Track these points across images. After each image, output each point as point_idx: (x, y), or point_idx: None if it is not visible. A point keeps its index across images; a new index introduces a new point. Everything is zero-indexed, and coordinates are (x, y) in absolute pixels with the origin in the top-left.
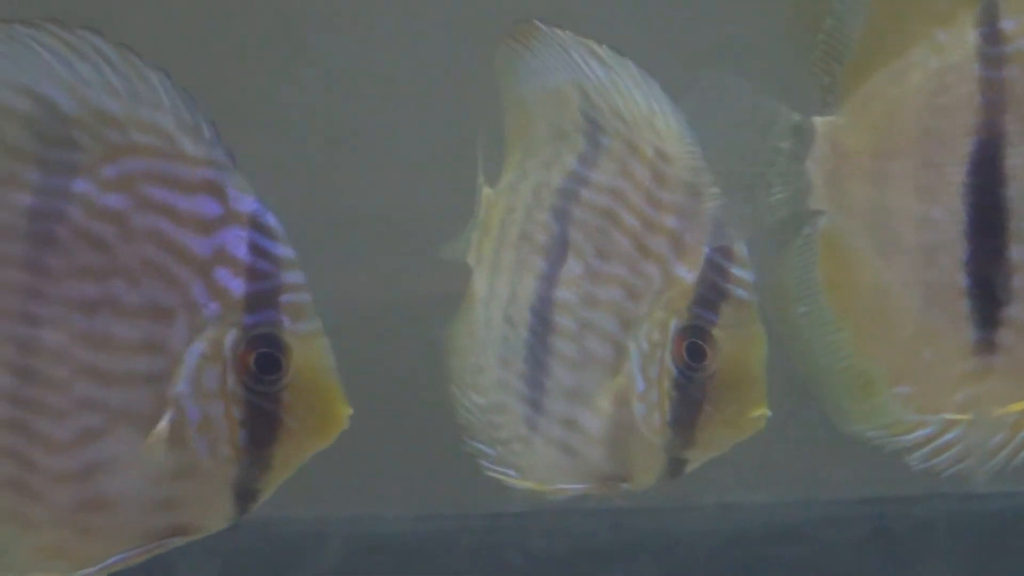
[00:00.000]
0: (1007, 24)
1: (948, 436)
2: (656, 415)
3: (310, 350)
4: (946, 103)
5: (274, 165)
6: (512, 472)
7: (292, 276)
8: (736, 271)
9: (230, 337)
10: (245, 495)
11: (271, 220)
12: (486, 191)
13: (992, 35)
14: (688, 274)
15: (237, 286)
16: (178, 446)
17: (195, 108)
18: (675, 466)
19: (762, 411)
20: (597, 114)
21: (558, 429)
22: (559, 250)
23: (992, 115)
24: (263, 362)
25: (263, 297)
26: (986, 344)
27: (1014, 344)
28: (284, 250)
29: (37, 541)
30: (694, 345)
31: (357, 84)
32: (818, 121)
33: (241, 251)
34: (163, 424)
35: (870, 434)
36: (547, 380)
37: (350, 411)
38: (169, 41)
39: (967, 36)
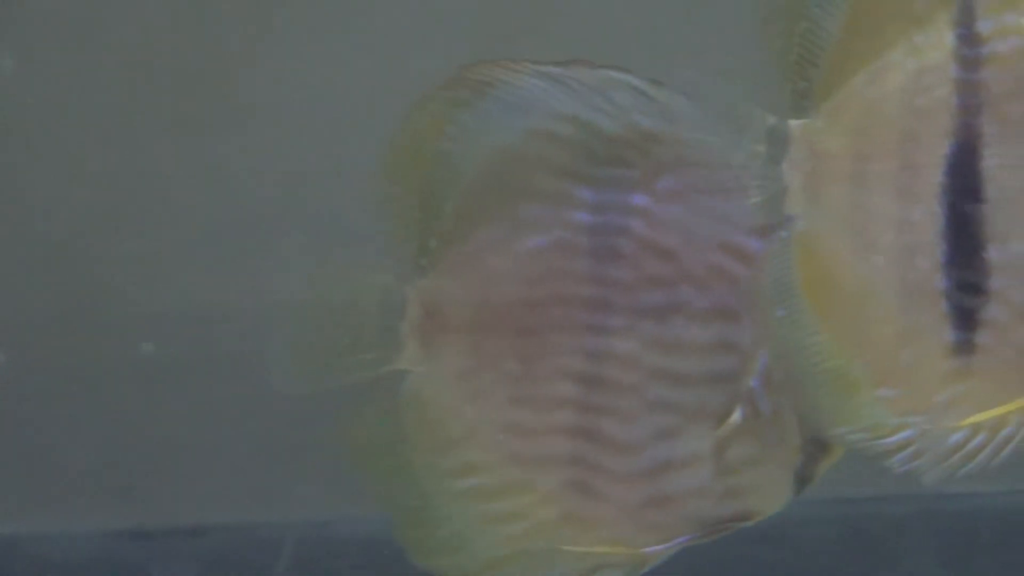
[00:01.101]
0: (984, 25)
1: (929, 439)
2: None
3: None
4: (923, 105)
5: None
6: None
7: None
8: None
9: None
10: (802, 479)
11: None
12: None
13: (969, 36)
14: None
15: None
16: (748, 438)
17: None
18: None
19: None
20: None
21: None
22: None
23: (969, 117)
24: None
25: None
26: (966, 345)
27: (994, 345)
28: None
29: (596, 539)
30: None
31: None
32: (794, 124)
33: None
34: (735, 418)
35: (852, 437)
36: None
37: None
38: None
39: (944, 37)
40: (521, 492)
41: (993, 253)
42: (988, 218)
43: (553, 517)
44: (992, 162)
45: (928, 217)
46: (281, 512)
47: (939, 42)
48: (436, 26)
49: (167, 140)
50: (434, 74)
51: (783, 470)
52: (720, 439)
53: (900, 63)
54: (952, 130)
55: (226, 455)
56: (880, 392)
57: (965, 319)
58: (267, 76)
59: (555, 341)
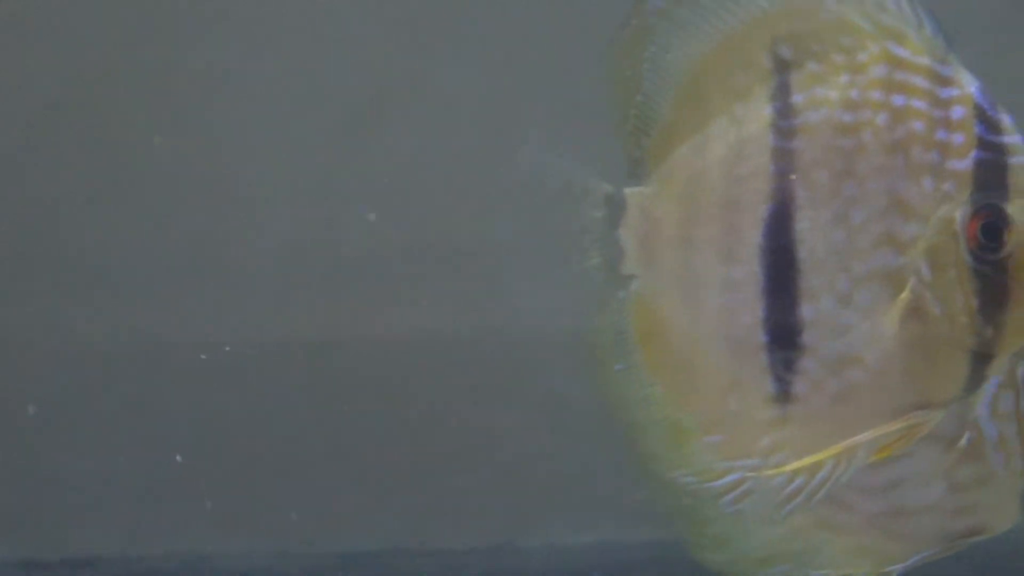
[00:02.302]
0: (797, 98)
1: (753, 482)
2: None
3: None
4: (743, 172)
5: None
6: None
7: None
8: None
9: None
10: None
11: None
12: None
13: (784, 109)
14: None
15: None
16: (975, 461)
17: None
18: None
19: None
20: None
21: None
22: None
23: (784, 183)
24: None
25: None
26: (784, 395)
27: (809, 394)
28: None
29: (847, 544)
30: None
31: None
32: (629, 192)
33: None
34: (963, 443)
35: (684, 480)
36: None
37: None
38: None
39: (762, 110)
40: None
41: (806, 310)
42: (801, 277)
43: (808, 523)
44: (805, 224)
45: (748, 277)
46: (166, 544)
47: (758, 114)
48: None
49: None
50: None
51: (1010, 491)
52: (950, 460)
53: (723, 134)
54: (769, 195)
55: (115, 489)
56: (708, 439)
57: (783, 371)
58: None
59: None
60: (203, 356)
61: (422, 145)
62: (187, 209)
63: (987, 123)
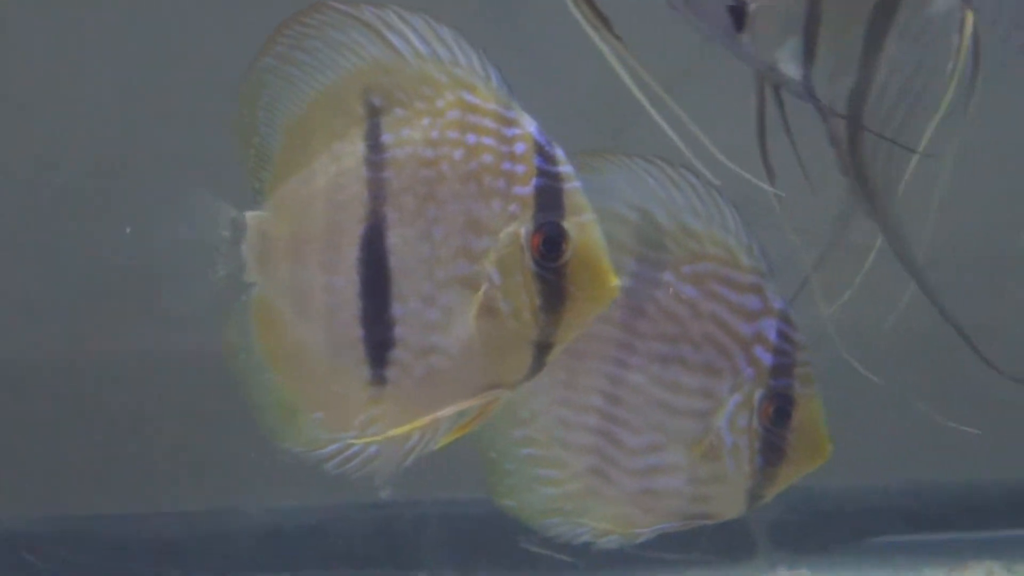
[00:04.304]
0: (387, 138)
1: (353, 450)
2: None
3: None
4: (343, 199)
5: None
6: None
7: (805, 355)
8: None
9: (758, 394)
10: (754, 497)
11: (792, 315)
12: None
13: (376, 146)
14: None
15: (767, 359)
16: (713, 462)
17: (750, 231)
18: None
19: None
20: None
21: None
22: None
23: (376, 206)
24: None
25: (786, 368)
26: (379, 379)
27: (399, 379)
28: (801, 336)
29: (608, 510)
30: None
31: None
32: (249, 215)
33: (772, 336)
34: (704, 446)
35: (296, 450)
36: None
37: None
38: None
39: (357, 148)
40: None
41: (397, 309)
42: (392, 283)
43: (580, 491)
44: (394, 240)
45: (348, 283)
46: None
47: (353, 151)
48: None
49: None
50: None
51: (739, 488)
52: (693, 458)
53: (325, 168)
54: (364, 217)
55: None
56: (315, 415)
57: (378, 360)
58: None
59: None
60: None
61: None
62: None
63: (544, 156)
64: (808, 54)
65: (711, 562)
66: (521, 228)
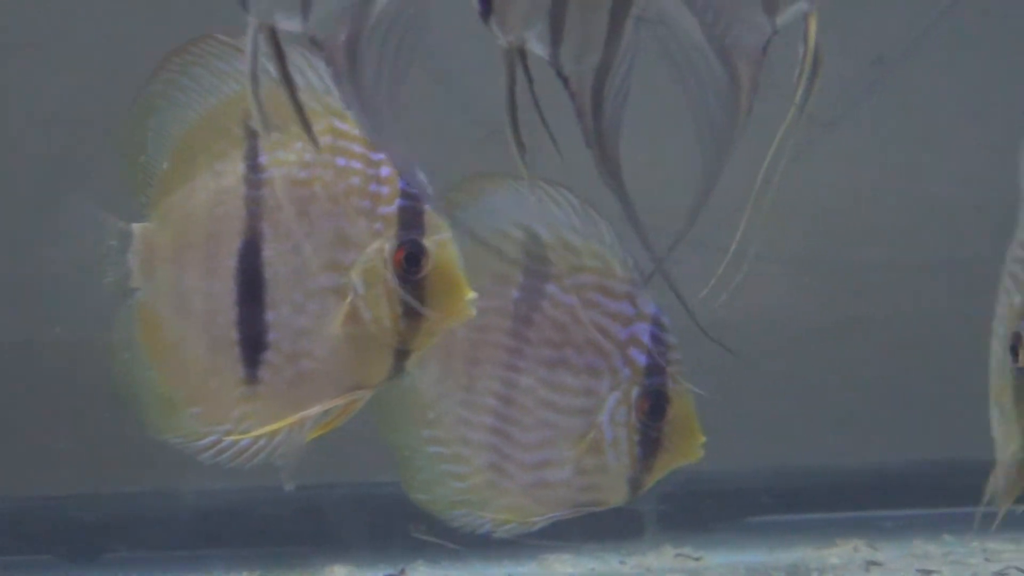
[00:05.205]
0: (263, 159)
1: (226, 442)
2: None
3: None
4: (222, 213)
5: None
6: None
7: (676, 355)
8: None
9: (635, 392)
10: (636, 485)
11: (666, 320)
12: None
13: (254, 166)
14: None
15: (642, 359)
16: (596, 454)
17: (622, 246)
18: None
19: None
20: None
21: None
22: None
23: (253, 221)
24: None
25: (659, 367)
26: (253, 379)
27: (271, 379)
28: (672, 338)
29: (507, 501)
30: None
31: None
32: (136, 226)
33: (645, 338)
34: (588, 439)
35: (174, 441)
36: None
37: None
38: None
39: (236, 167)
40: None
41: (270, 315)
42: (266, 291)
43: (483, 485)
44: (269, 253)
45: (226, 291)
46: None
47: (233, 170)
48: None
49: None
50: None
51: (621, 477)
52: (579, 452)
53: (206, 184)
54: (242, 231)
55: None
56: (192, 410)
57: (251, 361)
58: None
59: None
60: None
61: None
62: None
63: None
64: (556, 34)
65: (603, 544)
66: (385, 244)
